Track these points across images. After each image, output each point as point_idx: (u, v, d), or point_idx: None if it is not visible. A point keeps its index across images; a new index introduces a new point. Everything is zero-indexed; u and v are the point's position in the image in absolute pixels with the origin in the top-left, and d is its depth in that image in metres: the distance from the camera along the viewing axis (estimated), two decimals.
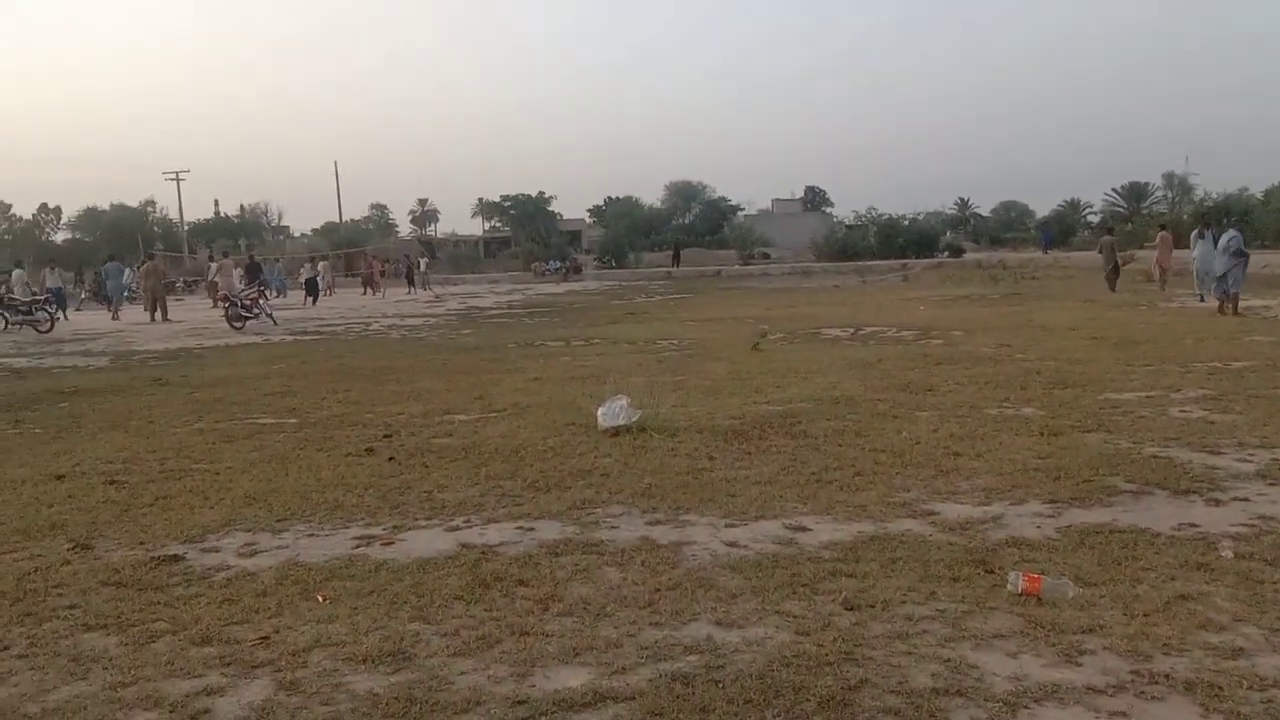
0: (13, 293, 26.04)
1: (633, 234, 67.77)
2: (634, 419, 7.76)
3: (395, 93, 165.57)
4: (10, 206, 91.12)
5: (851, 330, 16.42)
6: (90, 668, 3.69)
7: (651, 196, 79.54)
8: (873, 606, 4.04)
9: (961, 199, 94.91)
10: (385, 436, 8.06)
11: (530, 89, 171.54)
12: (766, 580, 4.38)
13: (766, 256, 61.68)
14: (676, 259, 57.12)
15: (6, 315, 24.68)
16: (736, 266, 54.25)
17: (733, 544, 4.92)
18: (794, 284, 37.39)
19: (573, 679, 3.46)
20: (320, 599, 4.33)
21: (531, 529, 5.32)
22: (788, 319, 19.18)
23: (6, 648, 3.90)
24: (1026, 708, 3.16)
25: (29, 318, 24.10)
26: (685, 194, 76.90)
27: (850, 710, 3.16)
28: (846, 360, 12.11)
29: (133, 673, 3.62)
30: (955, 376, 10.26)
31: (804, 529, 5.14)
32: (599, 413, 7.90)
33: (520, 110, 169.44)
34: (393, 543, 5.17)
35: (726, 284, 40.11)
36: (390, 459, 7.18)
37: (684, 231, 71.87)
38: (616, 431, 7.62)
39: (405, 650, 3.74)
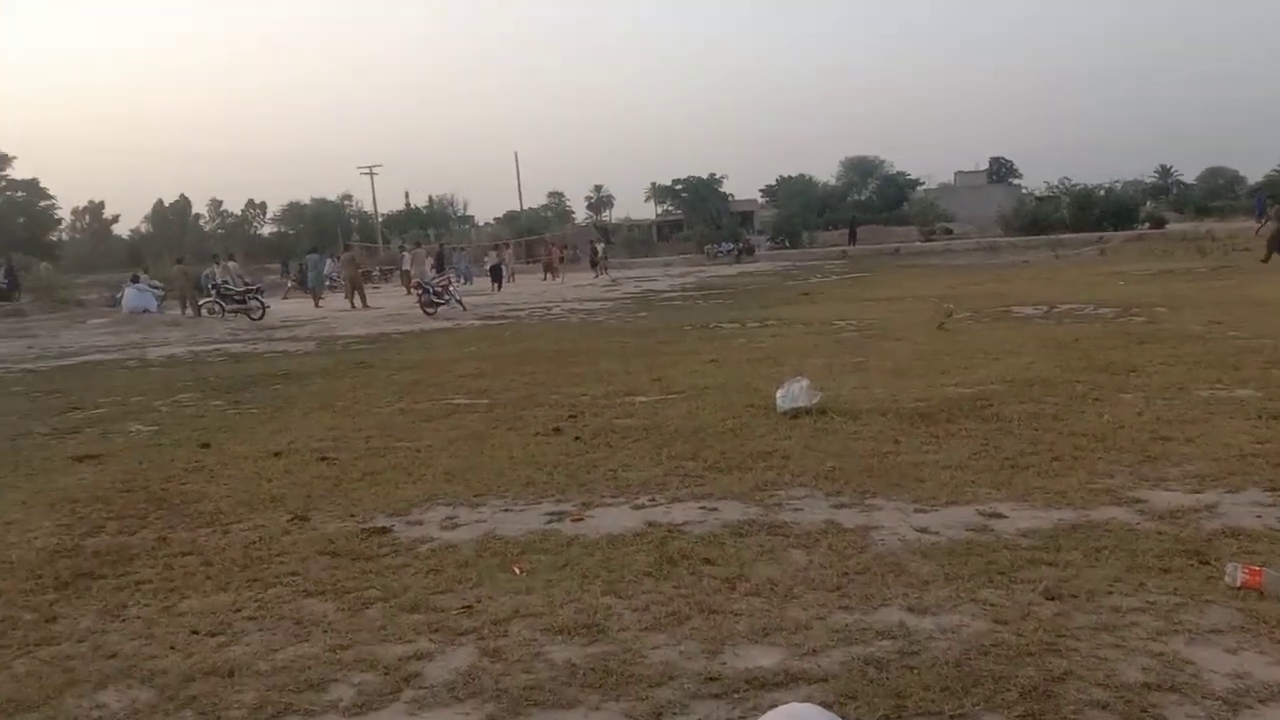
0: (227, 283, 28.20)
1: (806, 213, 66.79)
2: (814, 401, 7.68)
3: (573, 84, 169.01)
4: (221, 202, 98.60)
5: (1044, 308, 15.65)
6: (311, 630, 3.99)
7: (826, 173, 78.01)
8: (1076, 597, 3.86)
9: (1163, 166, 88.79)
10: (570, 417, 8.30)
11: (701, 70, 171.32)
12: (960, 567, 4.26)
13: (949, 232, 59.50)
14: (853, 237, 55.95)
15: (222, 304, 26.76)
16: (917, 243, 52.63)
17: (923, 530, 4.81)
18: (980, 260, 35.95)
19: (763, 658, 3.48)
20: (517, 571, 4.53)
21: (715, 509, 5.36)
22: (974, 297, 18.47)
23: (238, 610, 4.26)
24: (1250, 708, 2.96)
25: (242, 306, 26.04)
26: (861, 169, 75.02)
27: (1054, 702, 3.04)
28: (1040, 339, 11.56)
29: (349, 636, 3.89)
30: (1161, 356, 9.62)
31: (999, 515, 4.96)
32: (778, 394, 7.86)
33: (692, 91, 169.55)
34: (582, 519, 5.34)
35: (906, 262, 38.99)
36: (576, 438, 7.39)
37: (860, 208, 70.18)
38: (796, 414, 7.57)
39: (599, 623, 3.86)
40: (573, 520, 5.32)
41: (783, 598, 4.03)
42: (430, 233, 71.81)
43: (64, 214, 74.49)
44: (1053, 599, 3.86)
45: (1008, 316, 14.92)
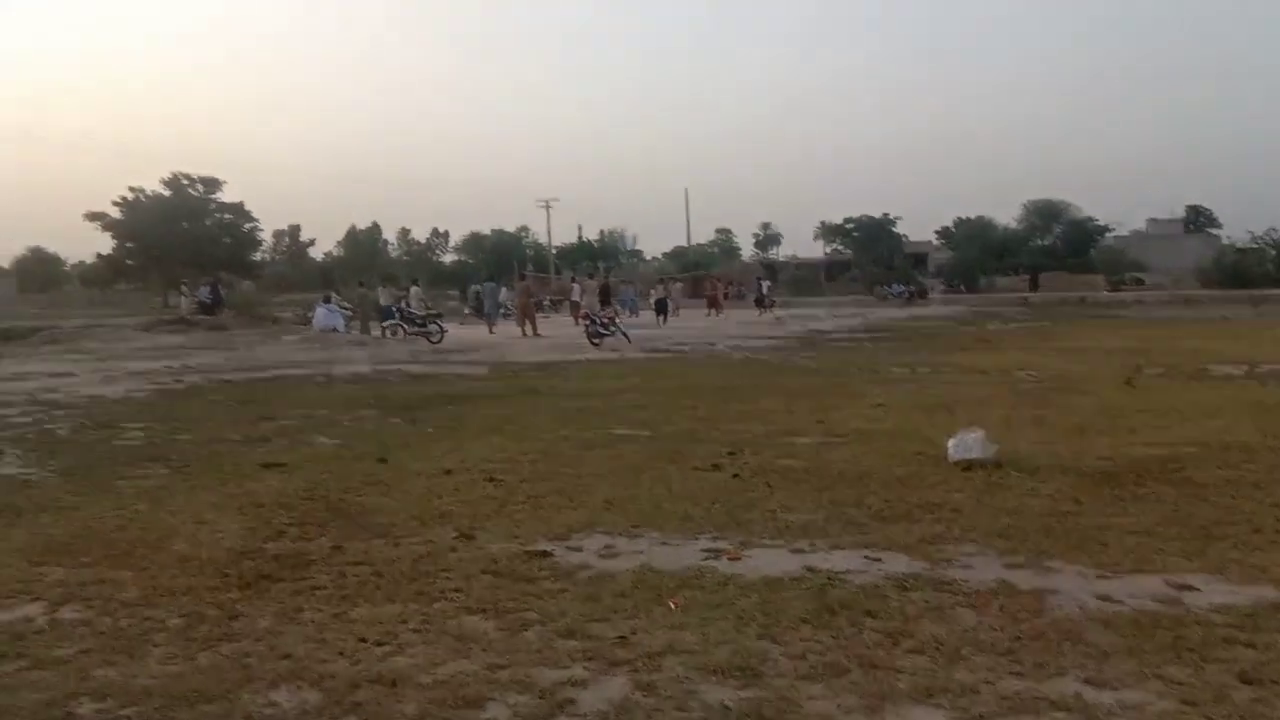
0: (410, 307, 29.60)
1: (984, 257, 64.64)
2: (989, 453, 7.36)
3: (746, 121, 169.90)
4: (410, 231, 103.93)
5: (1245, 367, 14.53)
6: (471, 648, 4.08)
7: (1006, 216, 75.20)
8: (1276, 683, 3.52)
9: None
10: (730, 454, 8.24)
11: (879, 109, 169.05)
12: (1146, 641, 3.96)
13: (1140, 282, 56.34)
14: (1034, 284, 53.67)
15: (405, 326, 28.08)
16: (1104, 293, 50.01)
17: (1105, 597, 4.51)
18: (1173, 314, 33.81)
19: (927, 719, 3.32)
20: (672, 605, 4.50)
21: (878, 559, 5.19)
22: (1167, 352, 17.36)
23: (404, 621, 4.41)
24: None
25: (422, 329, 27.25)
26: (1046, 213, 71.90)
27: None
28: (1240, 401, 10.73)
29: (507, 656, 3.96)
30: None
31: (1190, 588, 4.60)
32: (950, 444, 7.58)
33: (867, 131, 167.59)
34: (739, 558, 5.27)
35: (1092, 312, 37.07)
36: (735, 476, 7.33)
37: (1043, 254, 67.21)
38: (969, 465, 7.26)
39: (754, 667, 3.78)
40: (729, 559, 5.26)
41: (949, 658, 3.85)
42: (600, 265, 73.40)
43: (265, 236, 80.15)
44: (1250, 683, 3.54)
45: (1204, 375, 13.93)
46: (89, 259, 77.44)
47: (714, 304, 41.88)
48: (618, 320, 25.25)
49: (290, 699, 3.62)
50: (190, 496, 7.05)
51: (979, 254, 64.89)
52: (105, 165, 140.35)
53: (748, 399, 12.01)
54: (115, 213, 64.84)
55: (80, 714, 3.54)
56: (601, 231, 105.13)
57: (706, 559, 5.26)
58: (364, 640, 4.17)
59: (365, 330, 29.89)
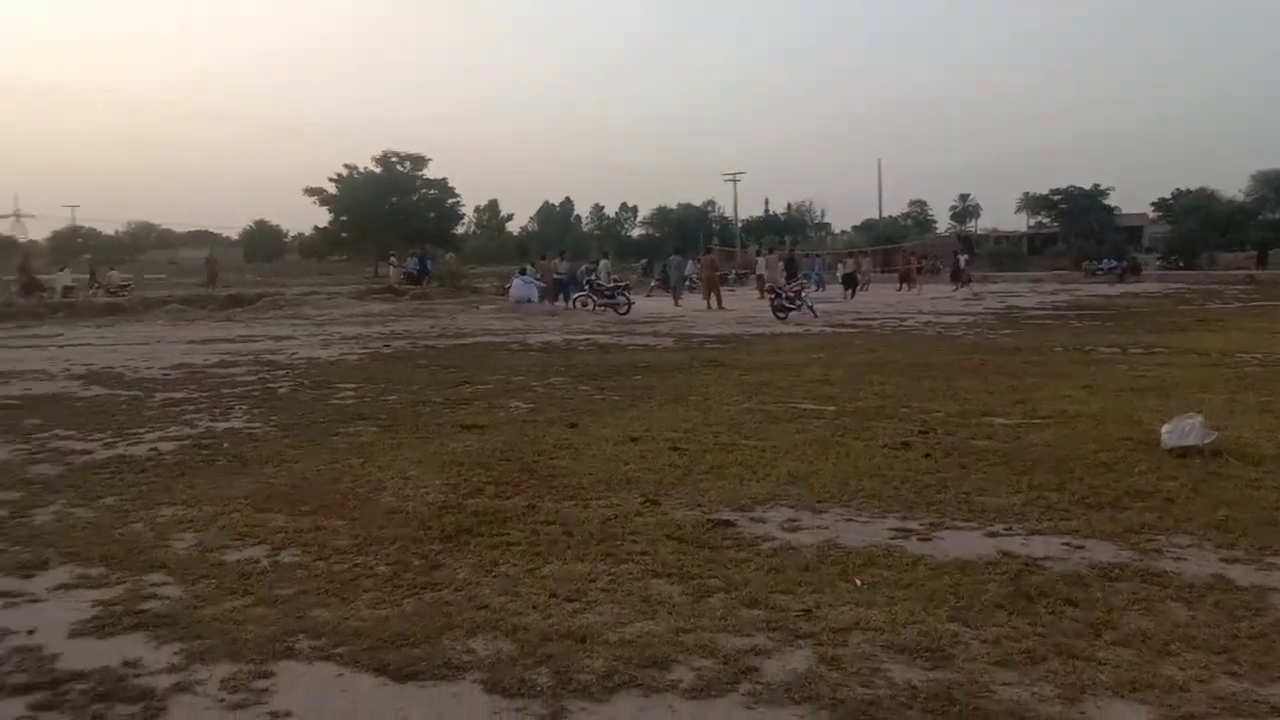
0: (599, 279, 30.23)
1: (1206, 231, 59.72)
2: (1208, 440, 6.83)
3: (942, 90, 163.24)
4: (603, 207, 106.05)
5: None
6: (657, 610, 4.15)
7: (1232, 188, 69.04)
8: None
9: None
10: (921, 432, 8.01)
11: (1087, 74, 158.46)
12: None
13: None
14: (1262, 260, 49.20)
15: (594, 298, 28.71)
16: None
17: None
18: None
19: (1129, 714, 3.15)
20: (858, 583, 4.43)
21: (1080, 547, 4.93)
22: None
23: (593, 580, 4.54)
24: None
25: (610, 301, 27.79)
26: (1276, 184, 65.70)
27: None
28: None
29: (692, 620, 4.01)
30: None
31: None
32: (1164, 430, 7.07)
33: (1075, 97, 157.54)
34: (930, 539, 5.13)
35: None
36: (926, 455, 7.12)
37: (1274, 229, 61.46)
38: (1184, 452, 6.77)
39: (944, 649, 3.68)
40: (919, 539, 5.13)
41: (1157, 652, 3.62)
42: (786, 239, 72.56)
43: (467, 210, 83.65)
44: None
45: None
46: (307, 231, 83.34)
47: (906, 278, 40.61)
48: (804, 294, 24.91)
49: (486, 647, 3.80)
50: (397, 453, 7.49)
51: (1200, 228, 59.98)
52: (324, 146, 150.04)
53: (940, 377, 11.61)
54: (331, 188, 69.30)
55: (298, 649, 3.84)
56: (789, 204, 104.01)
57: (895, 538, 5.15)
58: (555, 596, 4.32)
59: (542, 300, 30.73)
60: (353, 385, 11.67)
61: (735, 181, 78.83)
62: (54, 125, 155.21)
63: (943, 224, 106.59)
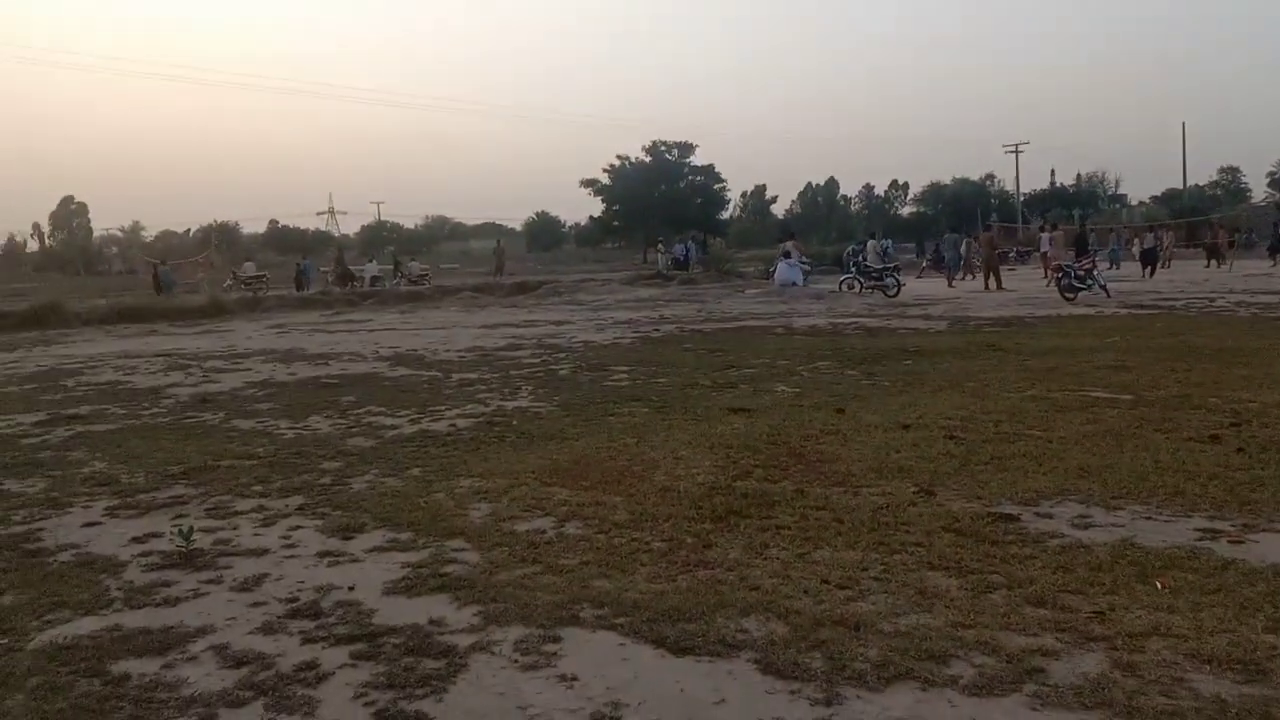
0: (866, 260, 29.54)
1: None
2: None
3: (1255, 39, 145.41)
4: (873, 186, 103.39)
5: None
6: (933, 603, 4.04)
7: None
8: None
9: None
10: (1233, 425, 7.26)
11: None
12: None
13: None
14: None
15: (861, 280, 28.11)
16: None
17: None
18: None
19: None
20: (1159, 586, 4.10)
21: None
22: None
23: (865, 569, 4.48)
24: None
25: (879, 283, 27.09)
26: None
27: None
28: None
29: (972, 616, 3.87)
30: None
31: None
32: None
33: None
34: (1242, 541, 4.65)
35: None
36: (1239, 450, 6.44)
37: None
38: None
39: (1258, 662, 3.34)
40: (1230, 541, 4.67)
41: None
42: (1075, 213, 67.59)
43: (732, 195, 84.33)
44: None
45: None
46: (582, 221, 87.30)
47: (1214, 253, 36.79)
48: (1095, 272, 23.14)
49: (759, 628, 3.85)
50: (668, 434, 7.72)
51: None
52: (600, 138, 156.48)
53: (1257, 363, 10.44)
54: (605, 179, 72.14)
55: (583, 617, 4.06)
56: (1078, 175, 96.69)
57: (1201, 539, 4.71)
58: (826, 582, 4.31)
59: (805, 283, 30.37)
60: (626, 368, 12.12)
61: (1017, 153, 74.50)
62: (366, 126, 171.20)
63: (1258, 192, 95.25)
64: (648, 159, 72.15)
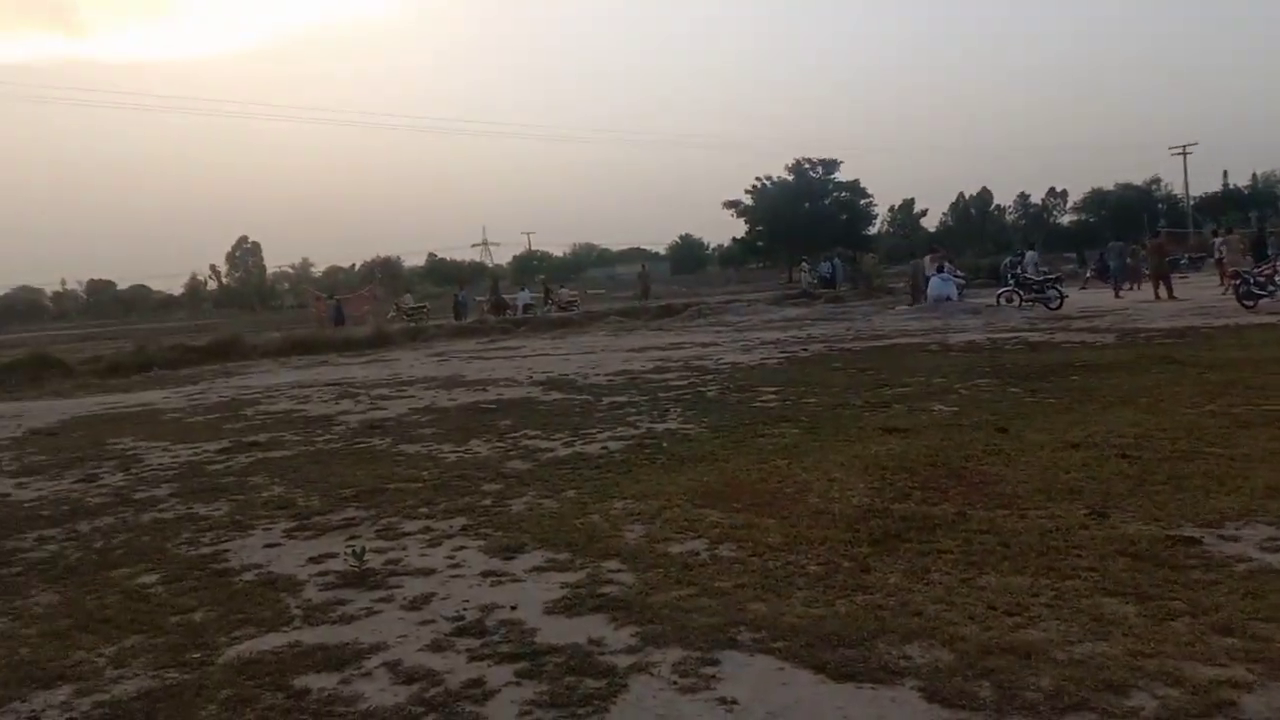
0: (1025, 271, 28.44)
1: None
2: None
3: None
4: (1029, 195, 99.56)
5: None
6: (1110, 630, 3.84)
7: None
8: None
9: None
10: None
11: None
12: None
13: None
14: None
15: (1020, 293, 27.05)
16: None
17: None
18: None
19: None
20: None
21: None
22: None
23: (1035, 595, 4.29)
24: None
25: (1040, 295, 26.01)
26: None
27: None
28: None
29: (1152, 645, 3.66)
30: None
31: None
32: None
33: None
34: None
35: None
36: None
37: None
38: None
39: None
40: None
41: None
42: (1251, 215, 63.26)
43: (879, 210, 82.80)
44: None
45: None
46: (725, 242, 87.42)
47: None
48: (1277, 278, 21.55)
49: (923, 655, 3.75)
50: (820, 455, 7.62)
51: None
52: (741, 160, 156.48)
53: None
54: (747, 199, 72.10)
55: (740, 640, 4.04)
56: (1254, 175, 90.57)
57: None
58: (993, 608, 4.16)
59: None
60: (774, 388, 12.04)
61: (1185, 154, 70.44)
62: (513, 162, 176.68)
63: None
64: (790, 177, 71.68)
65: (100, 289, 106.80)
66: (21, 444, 11.61)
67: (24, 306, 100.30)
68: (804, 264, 51.75)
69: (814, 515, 5.85)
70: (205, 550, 6.11)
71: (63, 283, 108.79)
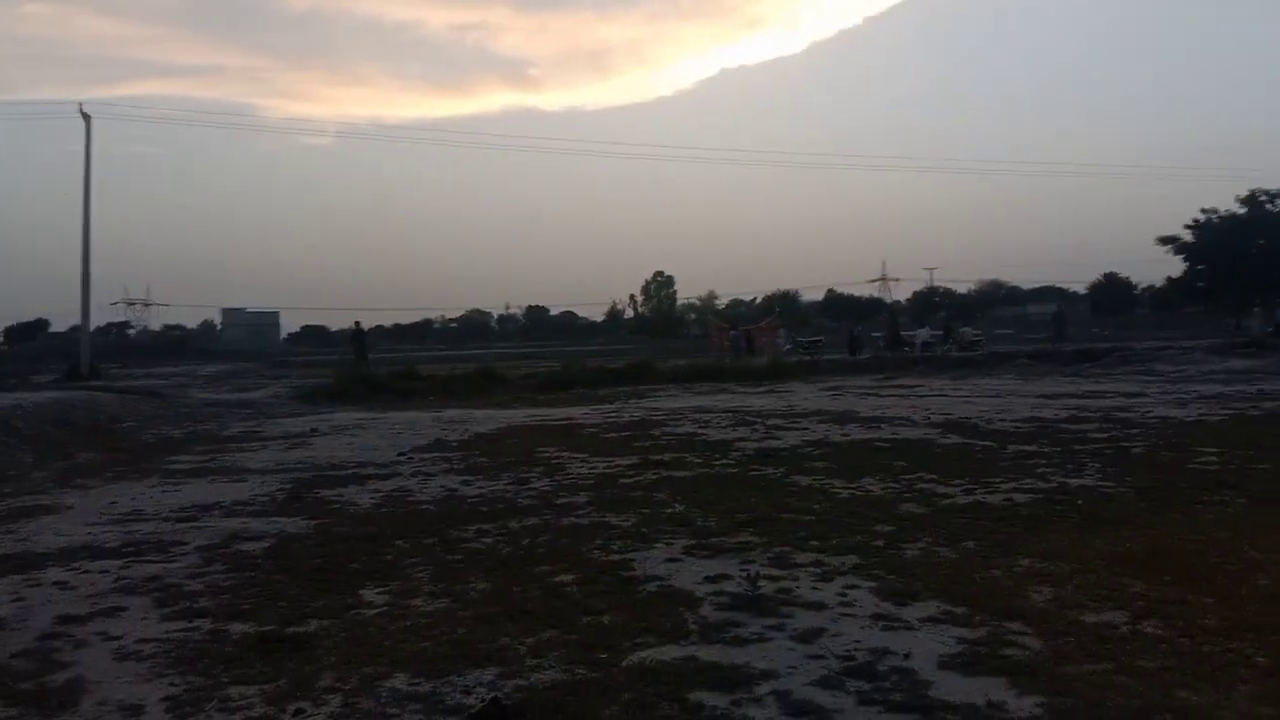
0: None
1: None
2: None
3: None
4: None
5: None
6: None
7: None
8: None
9: None
10: None
11: None
12: None
13: None
14: None
15: None
16: None
17: None
18: None
19: None
20: None
21: None
22: None
23: None
24: None
25: None
26: None
27: None
28: None
29: None
30: None
31: None
32: None
33: None
34: None
35: None
36: None
37: None
38: None
39: None
40: None
41: None
42: None
43: None
44: None
45: None
46: (1158, 282, 78.83)
47: None
48: None
49: None
50: (1275, 531, 6.59)
51: None
52: (1175, 189, 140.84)
53: None
54: (1187, 235, 64.52)
55: None
56: None
57: None
58: None
59: None
60: (1215, 449, 10.62)
61: None
62: (915, 195, 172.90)
63: None
64: (1242, 210, 63.00)
65: (536, 314, 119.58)
66: (468, 446, 13.28)
67: (474, 328, 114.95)
68: (1256, 309, 45.25)
69: (1265, 599, 5.08)
70: (614, 557, 6.57)
71: (506, 307, 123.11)
